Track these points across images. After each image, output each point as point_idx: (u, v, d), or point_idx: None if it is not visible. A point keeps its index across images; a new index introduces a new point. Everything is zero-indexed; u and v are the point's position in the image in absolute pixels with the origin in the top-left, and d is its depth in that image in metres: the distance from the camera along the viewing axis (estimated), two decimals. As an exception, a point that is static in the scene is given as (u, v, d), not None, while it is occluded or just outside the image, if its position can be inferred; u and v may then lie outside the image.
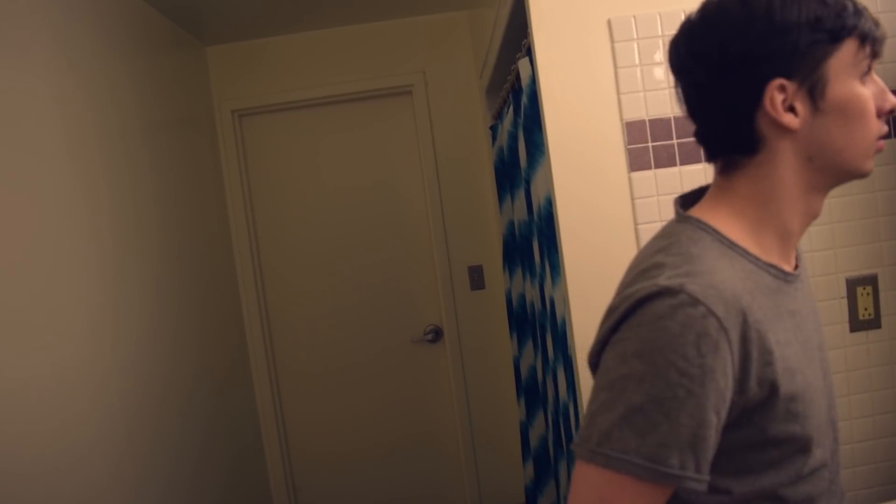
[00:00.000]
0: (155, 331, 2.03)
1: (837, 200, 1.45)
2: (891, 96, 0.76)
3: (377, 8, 2.77)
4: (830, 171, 0.76)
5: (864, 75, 0.74)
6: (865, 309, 1.45)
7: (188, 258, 2.37)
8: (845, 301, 1.45)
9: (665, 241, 0.79)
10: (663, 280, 0.71)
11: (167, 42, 2.48)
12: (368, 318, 2.98)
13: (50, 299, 1.55)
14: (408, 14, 2.90)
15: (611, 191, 1.43)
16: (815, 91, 0.72)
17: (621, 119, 1.43)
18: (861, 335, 1.46)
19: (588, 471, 0.72)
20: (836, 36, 0.71)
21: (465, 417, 3.00)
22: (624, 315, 0.73)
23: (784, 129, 0.74)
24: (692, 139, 1.41)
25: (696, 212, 0.82)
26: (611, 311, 0.76)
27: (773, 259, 0.80)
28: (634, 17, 1.42)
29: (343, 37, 2.93)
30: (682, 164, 1.42)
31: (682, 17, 1.39)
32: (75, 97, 1.77)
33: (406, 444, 3.02)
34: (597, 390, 0.74)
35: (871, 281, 1.45)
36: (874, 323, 1.46)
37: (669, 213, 1.42)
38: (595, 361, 0.78)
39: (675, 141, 1.42)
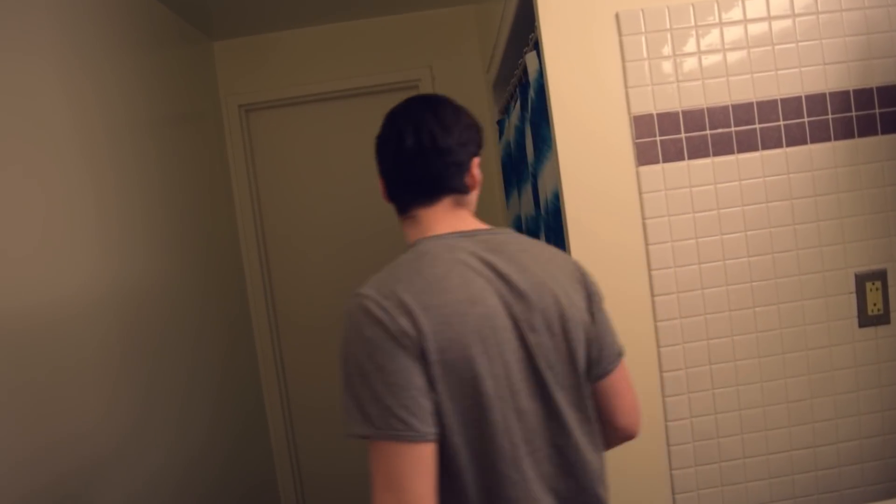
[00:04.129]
0: (160, 326, 2.04)
1: (847, 195, 1.44)
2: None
3: (384, 2, 2.76)
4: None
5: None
6: (874, 304, 1.44)
7: (195, 254, 2.38)
8: (854, 296, 1.45)
9: (529, 240, 1.12)
10: None
11: (174, 37, 2.49)
12: (375, 312, 2.97)
13: (54, 292, 1.56)
14: (415, 8, 2.89)
15: (618, 185, 1.43)
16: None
17: (629, 113, 1.42)
18: (870, 331, 1.45)
19: None
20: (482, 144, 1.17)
21: (471, 412, 3.00)
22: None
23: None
24: (700, 133, 1.41)
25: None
26: (596, 293, 1.10)
27: None
28: (642, 10, 1.41)
29: (350, 31, 2.93)
30: (690, 158, 1.42)
31: (691, 11, 1.39)
32: (84, 90, 1.77)
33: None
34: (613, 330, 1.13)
35: (881, 276, 1.45)
36: (883, 318, 1.45)
37: (677, 207, 1.42)
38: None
39: (682, 135, 1.42)
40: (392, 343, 0.92)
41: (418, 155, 1.09)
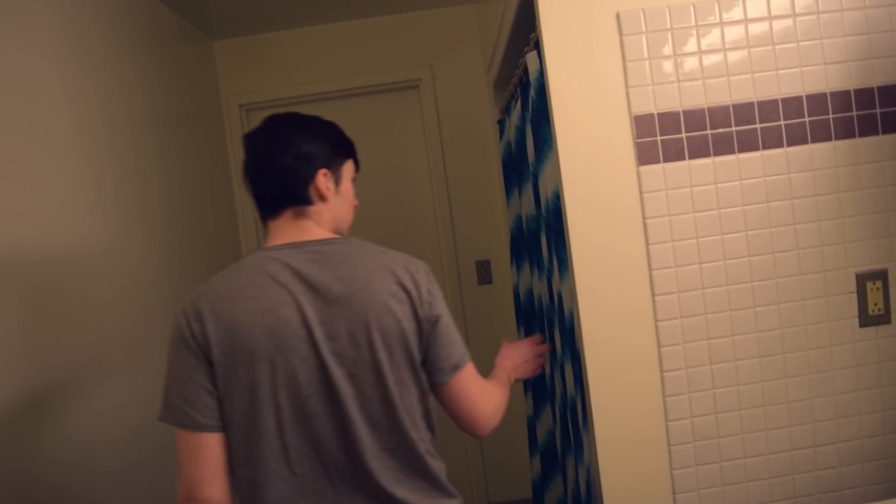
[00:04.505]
0: (160, 325, 2.04)
1: (847, 195, 1.44)
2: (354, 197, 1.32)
3: (385, 2, 2.76)
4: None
5: (353, 180, 1.30)
6: (875, 304, 1.44)
7: (195, 254, 2.38)
8: (855, 296, 1.45)
9: (379, 248, 1.22)
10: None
11: (175, 36, 2.49)
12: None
13: (49, 302, 1.56)
14: (415, 8, 2.89)
15: (619, 185, 1.43)
16: (337, 180, 1.25)
17: (630, 113, 1.42)
18: (871, 330, 1.45)
19: None
20: (347, 154, 1.28)
21: (472, 412, 2.99)
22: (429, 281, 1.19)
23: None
24: (701, 133, 1.41)
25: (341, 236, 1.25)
26: (427, 304, 1.16)
27: None
28: (643, 10, 1.41)
29: (350, 31, 2.93)
30: (690, 157, 1.42)
31: (692, 11, 1.39)
32: (85, 89, 1.77)
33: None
34: (451, 323, 1.20)
35: (882, 276, 1.44)
36: (884, 318, 1.45)
37: (678, 207, 1.42)
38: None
39: (683, 135, 1.42)
40: (183, 345, 1.08)
41: (257, 173, 1.21)
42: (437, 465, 1.19)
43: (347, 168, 1.28)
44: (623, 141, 1.42)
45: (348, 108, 2.99)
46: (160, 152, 2.19)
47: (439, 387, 1.18)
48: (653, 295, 1.43)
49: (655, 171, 1.42)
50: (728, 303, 1.43)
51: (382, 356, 1.11)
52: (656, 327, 1.43)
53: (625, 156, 1.43)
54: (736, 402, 1.44)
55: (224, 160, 2.85)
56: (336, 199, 1.24)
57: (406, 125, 3.01)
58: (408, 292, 1.14)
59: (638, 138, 1.42)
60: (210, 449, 1.08)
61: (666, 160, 1.42)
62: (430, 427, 1.20)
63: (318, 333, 1.09)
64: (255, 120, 2.98)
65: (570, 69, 1.42)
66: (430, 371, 1.17)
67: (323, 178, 1.21)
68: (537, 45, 1.55)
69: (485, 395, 1.25)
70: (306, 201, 1.20)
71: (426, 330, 1.15)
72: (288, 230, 1.20)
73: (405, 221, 3.01)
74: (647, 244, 1.42)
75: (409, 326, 1.13)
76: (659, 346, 1.43)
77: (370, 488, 1.13)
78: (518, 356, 1.58)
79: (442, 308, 1.18)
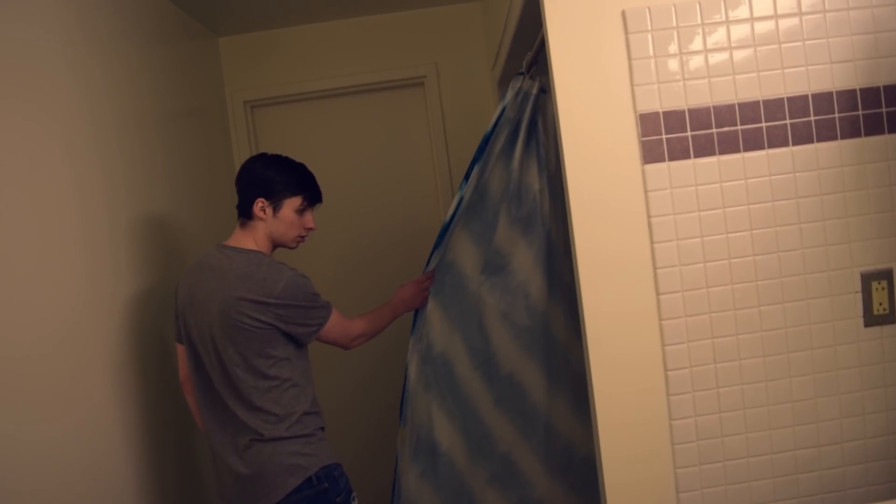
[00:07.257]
0: (161, 322, 2.04)
1: (853, 194, 1.43)
2: (309, 223, 1.78)
3: (390, -1, 2.76)
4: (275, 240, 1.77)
5: (301, 211, 1.75)
6: (880, 304, 1.44)
7: (198, 252, 2.38)
8: (860, 296, 1.44)
9: (258, 262, 1.65)
10: (290, 270, 1.65)
11: (180, 32, 2.49)
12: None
13: (50, 298, 1.56)
14: (421, 5, 2.89)
15: (624, 183, 1.42)
16: (276, 208, 1.71)
17: (635, 111, 1.42)
18: (875, 330, 1.45)
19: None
20: (294, 192, 1.73)
21: (475, 409, 2.99)
22: (283, 288, 1.61)
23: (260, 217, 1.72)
24: (706, 132, 1.41)
25: (246, 244, 1.72)
26: (273, 297, 1.60)
27: None
28: (649, 8, 1.40)
29: (355, 28, 2.93)
30: (695, 156, 1.41)
31: (697, 9, 1.39)
32: (95, 84, 1.78)
33: (416, 435, 3.02)
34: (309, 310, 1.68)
35: (887, 275, 1.44)
36: (889, 318, 1.44)
37: (683, 205, 1.41)
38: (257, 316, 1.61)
39: (688, 133, 1.41)
40: (174, 294, 1.77)
41: None
42: (273, 399, 1.61)
43: (292, 201, 1.71)
44: (628, 139, 1.42)
45: (353, 105, 2.99)
46: (165, 147, 2.19)
47: (312, 338, 1.70)
48: (657, 294, 1.42)
49: (660, 170, 1.42)
50: (733, 302, 1.43)
51: (218, 332, 1.61)
52: (660, 326, 1.43)
53: (630, 154, 1.42)
54: (740, 401, 1.44)
55: (228, 157, 2.85)
56: (273, 221, 1.70)
57: (411, 122, 3.01)
58: (256, 296, 1.58)
59: (643, 136, 1.41)
60: (182, 352, 1.77)
61: (671, 159, 1.42)
62: (275, 377, 1.62)
63: (198, 309, 1.64)
64: (260, 116, 3.00)
65: (575, 67, 1.42)
66: (297, 337, 1.66)
67: (259, 203, 1.68)
68: (542, 43, 1.55)
69: (346, 334, 1.78)
70: (248, 216, 1.71)
71: (280, 315, 1.60)
72: (234, 234, 1.74)
73: (409, 219, 3.01)
74: (652, 243, 1.42)
75: (254, 316, 1.57)
76: (663, 344, 1.43)
77: (227, 412, 1.63)
78: (407, 292, 1.99)
79: (297, 301, 1.62)
